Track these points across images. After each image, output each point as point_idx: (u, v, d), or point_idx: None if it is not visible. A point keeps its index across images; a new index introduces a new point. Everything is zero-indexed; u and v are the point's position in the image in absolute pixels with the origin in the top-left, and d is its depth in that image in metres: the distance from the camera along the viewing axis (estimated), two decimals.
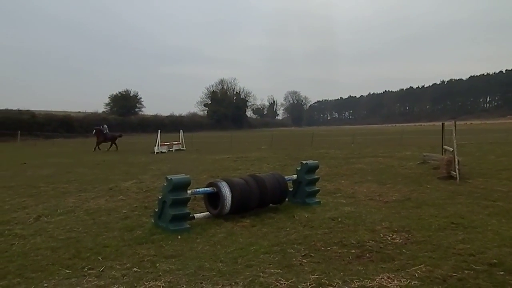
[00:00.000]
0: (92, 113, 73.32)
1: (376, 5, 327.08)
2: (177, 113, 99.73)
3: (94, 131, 27.09)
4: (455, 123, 10.54)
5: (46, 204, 8.00)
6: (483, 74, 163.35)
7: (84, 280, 4.01)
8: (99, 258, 4.68)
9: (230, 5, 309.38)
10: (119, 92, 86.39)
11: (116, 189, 9.79)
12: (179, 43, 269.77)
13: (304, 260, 4.45)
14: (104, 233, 5.78)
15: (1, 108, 53.06)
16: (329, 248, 4.85)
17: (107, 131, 27.63)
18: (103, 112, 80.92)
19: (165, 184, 5.93)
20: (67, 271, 4.27)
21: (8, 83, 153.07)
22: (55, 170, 14.59)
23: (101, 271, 4.26)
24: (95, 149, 26.18)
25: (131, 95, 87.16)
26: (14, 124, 46.78)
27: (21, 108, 55.06)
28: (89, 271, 4.25)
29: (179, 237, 5.47)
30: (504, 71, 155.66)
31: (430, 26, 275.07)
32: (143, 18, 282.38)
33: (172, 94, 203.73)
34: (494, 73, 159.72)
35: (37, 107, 59.96)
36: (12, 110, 53.29)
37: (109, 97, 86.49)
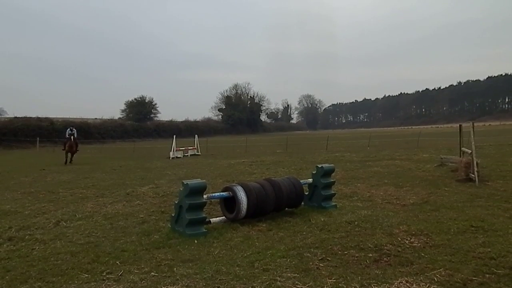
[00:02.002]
0: (109, 119, 74.34)
1: (391, 6, 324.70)
2: (192, 118, 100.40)
3: (74, 142, 21.21)
4: (473, 124, 10.38)
5: (65, 209, 8.12)
6: (501, 74, 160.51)
7: (103, 284, 4.06)
8: (118, 262, 4.73)
9: (241, 11, 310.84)
10: (135, 99, 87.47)
11: (133, 194, 9.89)
12: (192, 49, 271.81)
13: (321, 264, 4.43)
14: (122, 238, 5.85)
15: (20, 116, 54.24)
16: (346, 252, 4.81)
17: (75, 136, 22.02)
18: (119, 118, 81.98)
19: (181, 189, 5.97)
20: (87, 275, 4.33)
21: (27, 91, 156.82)
22: (73, 175, 14.82)
23: (120, 275, 4.30)
24: (71, 161, 21.11)
25: (146, 101, 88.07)
26: (33, 131, 47.82)
27: (39, 116, 56.19)
28: (108, 275, 4.30)
29: (195, 241, 5.49)
30: None
31: (445, 26, 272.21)
32: (157, 26, 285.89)
33: (187, 99, 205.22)
34: None
35: (55, 115, 61.05)
36: (31, 117, 54.33)
37: (125, 104, 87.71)
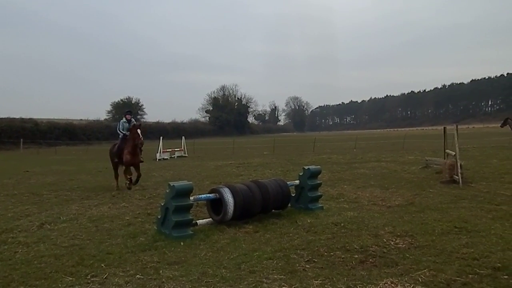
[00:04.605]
0: (94, 120, 73.54)
1: (377, 11, 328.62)
2: (179, 119, 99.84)
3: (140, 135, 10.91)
4: (456, 127, 10.54)
5: (49, 212, 8.01)
6: (485, 77, 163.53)
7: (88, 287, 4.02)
8: (103, 265, 4.68)
9: (231, 12, 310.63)
10: (121, 100, 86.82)
11: (119, 196, 9.81)
12: (180, 51, 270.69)
13: (307, 266, 4.44)
14: (107, 240, 5.79)
15: (3, 116, 53.22)
16: (332, 254, 4.84)
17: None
18: (105, 119, 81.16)
19: (167, 191, 5.93)
20: (71, 278, 4.27)
21: (11, 91, 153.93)
22: (58, 177, 14.63)
23: (105, 278, 4.26)
24: (137, 181, 11.47)
25: (133, 102, 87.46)
26: (17, 132, 47.01)
27: (23, 117, 55.25)
28: (92, 279, 4.25)
29: (182, 243, 5.47)
30: (505, 75, 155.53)
31: (430, 30, 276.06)
32: (145, 26, 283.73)
33: (174, 100, 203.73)
34: (496, 76, 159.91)
35: (39, 115, 60.08)
36: (14, 118, 53.37)
37: (111, 105, 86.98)
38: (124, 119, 11.63)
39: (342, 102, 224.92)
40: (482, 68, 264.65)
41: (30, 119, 55.09)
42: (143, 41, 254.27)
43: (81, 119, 70.78)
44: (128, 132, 11.21)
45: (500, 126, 23.86)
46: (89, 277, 4.30)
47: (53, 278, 4.30)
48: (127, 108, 11.34)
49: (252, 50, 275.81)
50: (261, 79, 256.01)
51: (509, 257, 4.45)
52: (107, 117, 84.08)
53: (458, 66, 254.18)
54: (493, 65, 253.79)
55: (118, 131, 11.57)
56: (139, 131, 10.86)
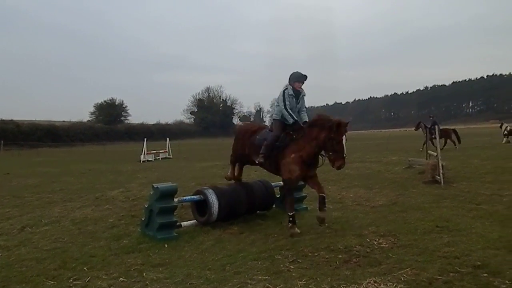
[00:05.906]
0: (77, 122, 72.58)
1: (360, 14, 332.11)
2: (163, 121, 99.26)
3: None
4: (438, 127, 10.71)
5: (31, 215, 7.87)
6: (465, 79, 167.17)
7: None
8: (85, 268, 4.62)
9: (220, 13, 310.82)
10: (104, 101, 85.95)
11: (103, 198, 9.69)
12: (168, 51, 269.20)
13: (292, 266, 4.46)
14: (91, 243, 5.72)
15: None
16: (316, 254, 4.87)
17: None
18: (89, 121, 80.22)
19: (151, 193, 5.89)
20: (52, 282, 4.21)
21: None
22: (40, 179, 14.38)
23: (87, 281, 4.20)
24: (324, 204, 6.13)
25: (116, 103, 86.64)
26: None
27: (3, 118, 54.29)
28: (74, 282, 4.19)
29: (166, 245, 5.43)
30: (485, 77, 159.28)
31: (412, 32, 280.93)
32: (133, 25, 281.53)
33: (158, 101, 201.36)
34: (476, 78, 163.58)
35: (19, 115, 59.39)
36: None
37: (94, 106, 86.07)
38: (289, 89, 6.39)
39: (326, 104, 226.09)
40: (463, 70, 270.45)
41: (11, 120, 54.24)
42: (130, 40, 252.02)
43: (63, 121, 69.86)
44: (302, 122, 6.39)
45: (414, 129, 25.05)
46: (71, 280, 4.24)
47: (34, 282, 4.23)
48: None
49: (240, 51, 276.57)
50: (250, 79, 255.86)
51: (489, 256, 4.54)
52: (90, 119, 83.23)
53: (440, 67, 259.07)
54: (473, 67, 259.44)
55: (285, 110, 6.29)
56: (344, 138, 5.67)
